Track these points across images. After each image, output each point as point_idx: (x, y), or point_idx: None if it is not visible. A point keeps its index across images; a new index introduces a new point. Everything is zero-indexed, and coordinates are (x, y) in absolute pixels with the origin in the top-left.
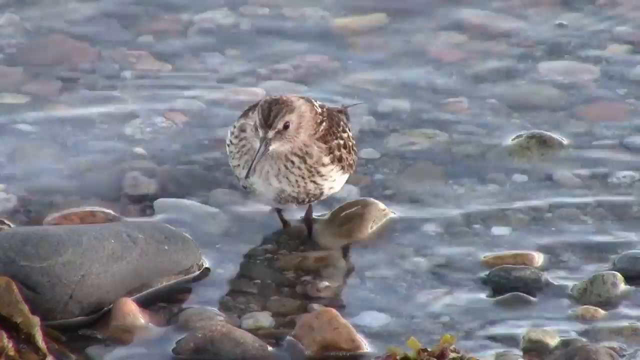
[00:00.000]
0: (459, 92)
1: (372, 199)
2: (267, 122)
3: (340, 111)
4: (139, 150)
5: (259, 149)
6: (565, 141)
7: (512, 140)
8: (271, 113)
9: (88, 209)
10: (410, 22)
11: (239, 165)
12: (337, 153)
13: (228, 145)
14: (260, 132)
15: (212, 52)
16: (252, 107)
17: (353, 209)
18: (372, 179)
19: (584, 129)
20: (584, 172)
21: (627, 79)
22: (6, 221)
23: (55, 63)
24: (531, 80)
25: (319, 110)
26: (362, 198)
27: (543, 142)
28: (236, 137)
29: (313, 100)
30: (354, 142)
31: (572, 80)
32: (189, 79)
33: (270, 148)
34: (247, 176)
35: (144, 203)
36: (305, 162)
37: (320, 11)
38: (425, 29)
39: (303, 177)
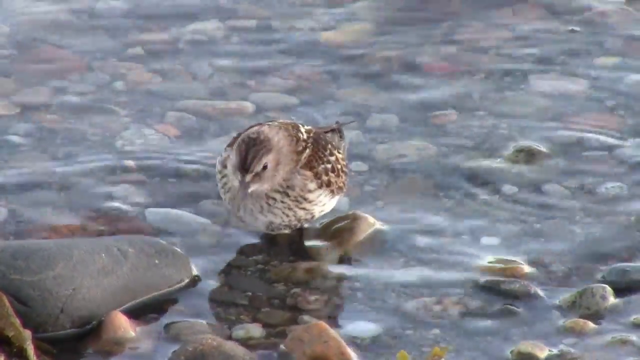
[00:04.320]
0: (448, 104)
1: (361, 213)
2: (243, 166)
3: (333, 129)
4: (129, 163)
5: (238, 192)
6: (554, 153)
7: (501, 152)
8: (248, 156)
9: (79, 222)
10: (400, 35)
11: (224, 198)
12: (324, 178)
13: (217, 174)
14: (238, 176)
15: (202, 63)
16: (238, 137)
17: (343, 223)
18: (361, 191)
19: (573, 140)
20: (572, 183)
21: (616, 91)
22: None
23: (47, 74)
24: (521, 92)
25: (304, 136)
26: (352, 212)
27: (532, 155)
28: (219, 171)
29: (300, 125)
30: (345, 163)
31: (561, 92)
32: (179, 90)
33: (249, 191)
34: (237, 215)
35: (134, 215)
36: (288, 196)
37: (309, 23)
38: (415, 41)
39: (290, 208)
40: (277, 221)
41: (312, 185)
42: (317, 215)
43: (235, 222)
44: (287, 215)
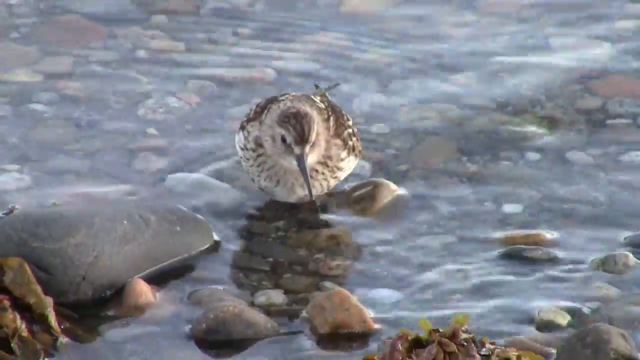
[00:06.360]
0: (467, 67)
1: (383, 180)
2: (303, 138)
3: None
4: (151, 130)
5: (302, 168)
6: (577, 120)
7: (524, 115)
8: (304, 128)
9: (101, 189)
10: (418, 7)
11: (259, 176)
12: (350, 143)
13: (241, 149)
14: (297, 149)
15: (225, 30)
16: (261, 112)
17: (365, 189)
18: (383, 154)
19: (598, 105)
20: (596, 150)
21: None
22: (17, 206)
23: (69, 42)
24: (542, 53)
25: (322, 105)
26: (373, 179)
27: (555, 123)
28: (253, 150)
29: (312, 97)
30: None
31: (585, 55)
32: (202, 58)
33: (308, 161)
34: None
35: (155, 180)
36: (327, 166)
37: None
38: (436, 8)
39: (326, 179)
40: (313, 193)
41: (343, 154)
42: (342, 179)
43: (266, 195)
44: (322, 187)
